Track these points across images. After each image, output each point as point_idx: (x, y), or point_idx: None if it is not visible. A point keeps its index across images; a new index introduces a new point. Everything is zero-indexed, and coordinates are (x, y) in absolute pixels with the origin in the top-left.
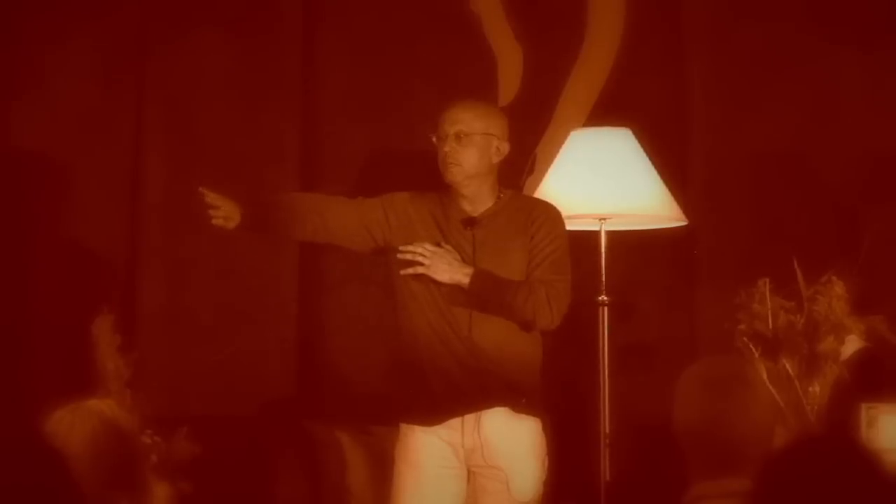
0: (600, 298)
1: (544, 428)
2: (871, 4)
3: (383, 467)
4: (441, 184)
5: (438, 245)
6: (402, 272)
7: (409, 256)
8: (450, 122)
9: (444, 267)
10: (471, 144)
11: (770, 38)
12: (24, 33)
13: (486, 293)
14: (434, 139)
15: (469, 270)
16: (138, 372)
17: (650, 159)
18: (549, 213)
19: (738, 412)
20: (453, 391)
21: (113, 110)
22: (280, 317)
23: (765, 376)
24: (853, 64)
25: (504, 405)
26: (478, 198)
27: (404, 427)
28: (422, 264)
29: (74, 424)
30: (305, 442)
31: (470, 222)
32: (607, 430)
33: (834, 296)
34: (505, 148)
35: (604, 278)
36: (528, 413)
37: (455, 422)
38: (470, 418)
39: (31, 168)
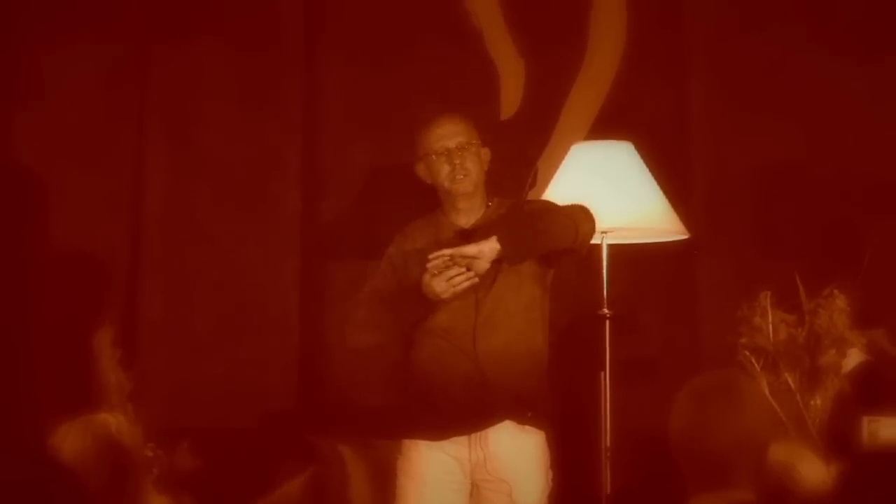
0: (602, 311)
1: (548, 441)
2: (872, 17)
3: (385, 480)
4: (433, 204)
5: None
6: (457, 289)
7: (444, 274)
8: (448, 137)
9: (468, 262)
10: (472, 153)
11: (771, 51)
12: (26, 44)
13: (521, 239)
14: (422, 165)
15: (493, 242)
16: (140, 385)
17: (652, 172)
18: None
19: (722, 423)
20: (460, 409)
21: (114, 122)
22: (282, 329)
23: (766, 390)
24: (855, 77)
25: (510, 418)
26: (473, 208)
27: (408, 441)
28: (465, 272)
29: (66, 439)
30: (307, 455)
31: (465, 235)
32: (608, 443)
33: (835, 309)
34: (488, 154)
35: (605, 292)
36: (533, 426)
37: (461, 436)
38: (477, 433)
39: (32, 179)
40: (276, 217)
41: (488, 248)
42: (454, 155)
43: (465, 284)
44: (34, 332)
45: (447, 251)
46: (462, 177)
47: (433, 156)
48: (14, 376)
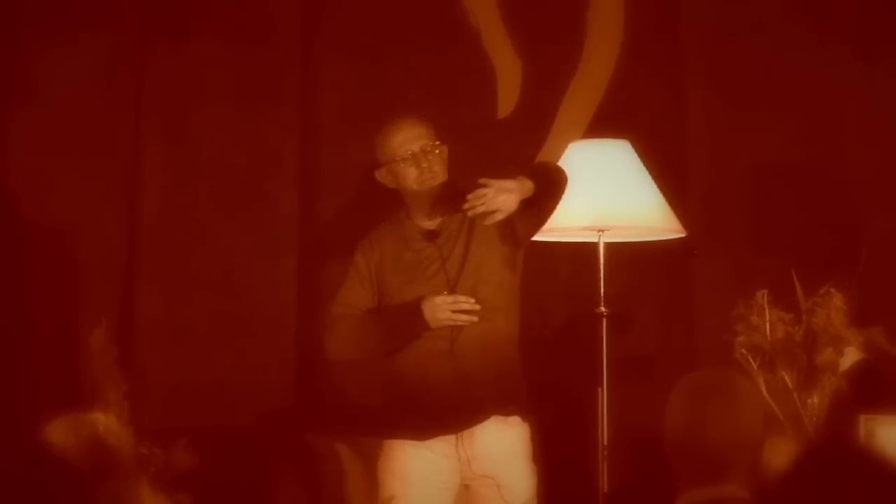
0: (599, 310)
1: (542, 438)
2: (869, 16)
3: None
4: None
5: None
6: (486, 223)
7: (480, 208)
8: (411, 141)
9: (505, 198)
10: (436, 154)
11: (768, 50)
12: (23, 43)
13: (545, 183)
14: (384, 171)
15: (524, 181)
16: (136, 383)
17: (649, 171)
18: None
19: (716, 421)
20: (444, 408)
21: (111, 121)
22: (279, 328)
23: (763, 388)
24: (852, 75)
25: (495, 413)
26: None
27: (391, 441)
28: (493, 211)
29: (52, 434)
30: (304, 453)
31: (432, 235)
32: (605, 442)
33: (832, 307)
34: (446, 151)
35: (602, 290)
36: (518, 417)
37: (449, 435)
38: (463, 432)
39: (28, 179)
40: (273, 216)
41: (529, 184)
42: (420, 158)
43: (464, 320)
44: (31, 330)
45: (490, 183)
46: (430, 178)
47: (399, 161)
48: (12, 374)
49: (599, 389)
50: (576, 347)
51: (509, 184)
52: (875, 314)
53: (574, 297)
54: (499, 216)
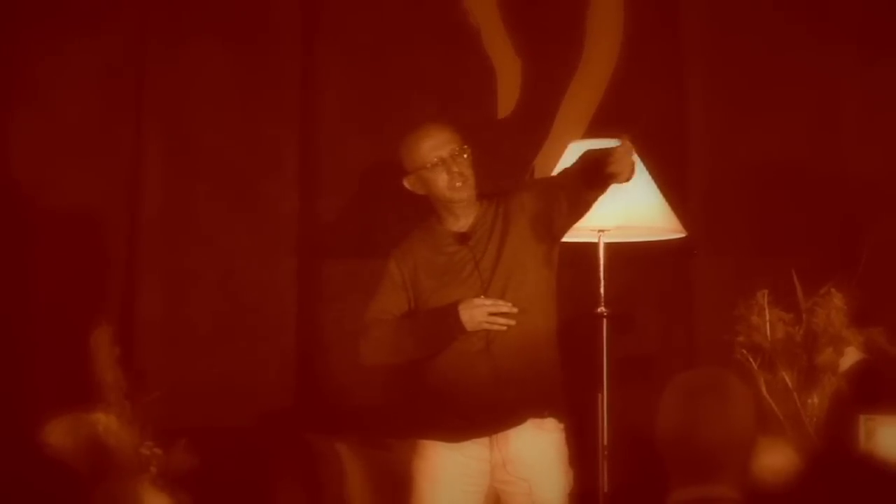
0: (599, 310)
1: (567, 436)
2: (869, 16)
3: (381, 479)
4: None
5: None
6: (619, 182)
7: (618, 168)
8: (440, 146)
9: (632, 162)
10: (464, 159)
11: (769, 50)
12: (23, 43)
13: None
14: (413, 178)
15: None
16: (137, 383)
17: (649, 171)
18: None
19: (709, 421)
20: (479, 411)
21: (112, 122)
22: (279, 328)
23: (763, 388)
24: (852, 75)
25: (531, 416)
26: (469, 209)
27: (425, 442)
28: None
29: (52, 434)
30: (304, 453)
31: (463, 238)
32: (605, 442)
33: (833, 308)
34: (470, 153)
35: (602, 290)
36: (553, 419)
37: (483, 438)
38: (498, 434)
39: (29, 179)
40: (274, 215)
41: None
42: (450, 163)
43: (501, 325)
44: (33, 330)
45: (625, 143)
46: (460, 184)
47: (429, 167)
48: (13, 374)
49: (599, 389)
50: (576, 348)
51: (632, 149)
52: (875, 314)
53: (574, 297)
54: (622, 178)
